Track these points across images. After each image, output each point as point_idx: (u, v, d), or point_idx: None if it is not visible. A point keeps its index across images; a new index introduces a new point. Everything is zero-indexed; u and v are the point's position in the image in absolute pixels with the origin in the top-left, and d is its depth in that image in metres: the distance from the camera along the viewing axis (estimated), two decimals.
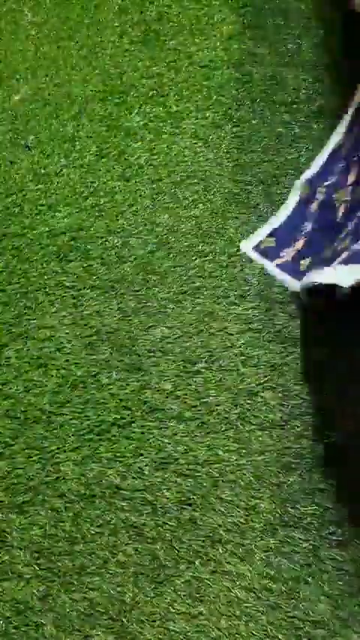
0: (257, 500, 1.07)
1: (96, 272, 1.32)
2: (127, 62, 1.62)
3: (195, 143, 1.46)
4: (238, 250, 1.31)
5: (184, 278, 1.29)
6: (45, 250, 1.36)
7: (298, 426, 1.12)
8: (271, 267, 1.29)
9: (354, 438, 1.10)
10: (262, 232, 1.34)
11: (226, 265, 1.30)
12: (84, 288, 1.31)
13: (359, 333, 1.18)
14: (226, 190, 1.39)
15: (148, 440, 1.14)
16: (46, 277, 1.33)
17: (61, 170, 1.47)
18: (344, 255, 1.10)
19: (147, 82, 1.57)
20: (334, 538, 1.04)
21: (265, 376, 1.17)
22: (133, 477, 1.11)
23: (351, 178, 1.33)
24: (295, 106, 1.48)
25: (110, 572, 1.05)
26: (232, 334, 1.22)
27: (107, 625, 1.02)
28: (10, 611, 1.04)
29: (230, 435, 1.13)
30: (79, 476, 1.12)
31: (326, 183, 1.36)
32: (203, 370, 1.19)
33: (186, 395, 1.17)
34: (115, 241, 1.36)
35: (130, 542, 1.07)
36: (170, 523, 1.07)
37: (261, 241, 1.33)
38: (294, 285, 1.25)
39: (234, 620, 1.00)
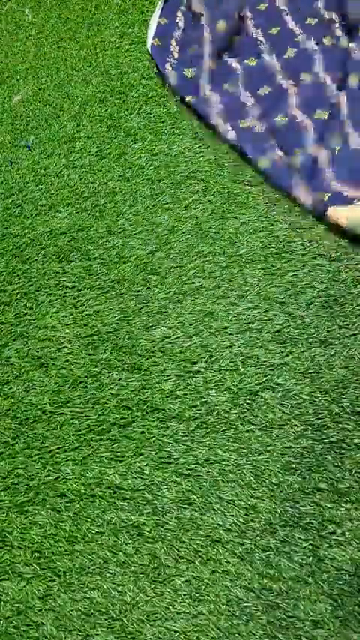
0: (257, 500, 1.07)
1: (96, 272, 1.32)
2: (127, 62, 1.62)
3: (195, 143, 1.46)
4: (238, 250, 1.31)
5: (184, 278, 1.29)
6: (45, 250, 1.37)
7: (298, 426, 1.12)
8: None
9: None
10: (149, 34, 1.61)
11: (226, 265, 1.30)
12: (84, 288, 1.31)
13: None
14: (226, 190, 1.39)
15: (148, 440, 1.14)
16: (46, 277, 1.33)
17: (62, 170, 1.47)
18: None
19: (147, 82, 1.57)
20: (334, 538, 1.04)
21: (265, 376, 1.17)
22: (133, 477, 1.11)
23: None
24: None
25: (110, 571, 1.05)
26: (232, 334, 1.22)
27: (107, 624, 1.02)
28: (10, 611, 1.04)
29: (230, 435, 1.13)
30: (79, 476, 1.13)
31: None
32: (203, 370, 1.19)
33: (186, 395, 1.17)
34: (116, 241, 1.36)
35: (130, 542, 1.07)
36: (170, 523, 1.07)
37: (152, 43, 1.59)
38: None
39: (234, 620, 1.00)
